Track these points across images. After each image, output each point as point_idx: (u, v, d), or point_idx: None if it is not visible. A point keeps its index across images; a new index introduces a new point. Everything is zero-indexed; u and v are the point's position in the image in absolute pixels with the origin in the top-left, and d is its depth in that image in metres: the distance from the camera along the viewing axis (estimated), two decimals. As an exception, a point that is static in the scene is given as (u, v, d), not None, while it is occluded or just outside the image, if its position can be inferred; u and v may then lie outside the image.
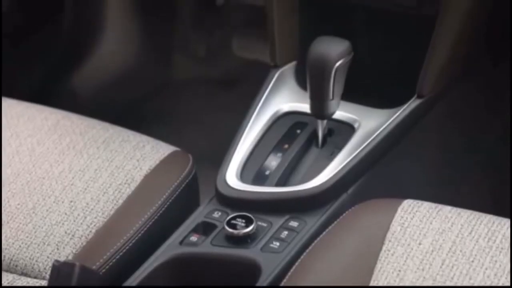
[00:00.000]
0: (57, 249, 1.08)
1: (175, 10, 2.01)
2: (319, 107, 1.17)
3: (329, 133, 1.21)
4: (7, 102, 1.30)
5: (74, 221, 1.11)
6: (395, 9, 1.25)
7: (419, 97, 1.20)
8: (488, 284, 0.89)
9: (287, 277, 0.97)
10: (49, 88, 1.87)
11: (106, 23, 1.95)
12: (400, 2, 1.23)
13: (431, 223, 0.97)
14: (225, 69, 2.01)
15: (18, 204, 1.13)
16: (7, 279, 1.05)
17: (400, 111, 1.19)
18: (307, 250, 1.00)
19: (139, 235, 1.09)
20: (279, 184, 1.16)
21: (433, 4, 1.19)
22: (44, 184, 1.15)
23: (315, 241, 1.01)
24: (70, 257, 1.06)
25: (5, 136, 1.23)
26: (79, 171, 1.17)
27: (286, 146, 1.20)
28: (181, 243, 1.08)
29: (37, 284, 1.04)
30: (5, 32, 1.62)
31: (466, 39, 1.20)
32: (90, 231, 1.10)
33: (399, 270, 0.92)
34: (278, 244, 1.05)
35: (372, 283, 0.92)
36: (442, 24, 1.17)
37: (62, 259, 1.04)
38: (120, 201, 1.14)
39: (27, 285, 1.05)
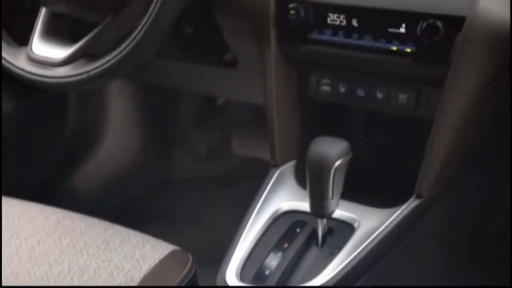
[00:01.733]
0: None
1: (176, 109, 2.04)
2: (319, 206, 1.17)
3: (329, 232, 1.21)
4: (8, 201, 1.31)
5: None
6: (393, 111, 1.27)
7: (418, 197, 1.21)
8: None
9: None
10: (50, 186, 1.89)
11: (108, 125, 1.98)
12: (398, 105, 1.25)
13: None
14: (225, 168, 2.02)
15: (16, 306, 1.12)
16: None
17: (399, 211, 1.20)
18: None
19: None
20: (279, 283, 1.15)
21: (431, 108, 1.21)
22: (42, 286, 1.14)
23: None
24: None
25: (5, 236, 1.23)
26: (78, 271, 1.16)
27: (286, 245, 1.21)
28: None
29: None
30: (6, 132, 1.64)
31: (464, 141, 1.22)
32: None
33: None
34: None
35: None
36: (439, 127, 1.19)
37: None
38: (119, 303, 1.13)
39: None
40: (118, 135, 1.99)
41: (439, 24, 1.15)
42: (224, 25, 1.39)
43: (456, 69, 1.16)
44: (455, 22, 1.14)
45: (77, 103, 1.94)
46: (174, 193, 1.99)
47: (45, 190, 1.86)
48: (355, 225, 1.21)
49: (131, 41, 1.17)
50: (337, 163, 1.15)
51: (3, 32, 1.31)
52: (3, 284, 1.15)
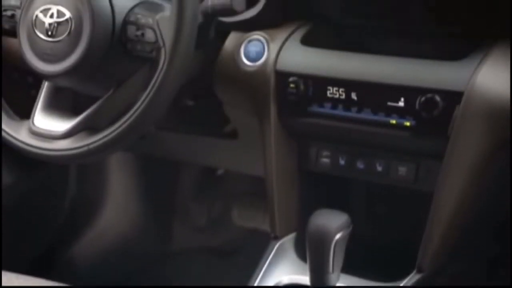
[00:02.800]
0: None
1: (176, 180, 2.04)
2: (319, 280, 1.16)
3: (330, 306, 1.20)
4: (6, 275, 1.29)
5: None
6: (393, 183, 1.27)
7: (419, 271, 1.20)
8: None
9: None
10: (49, 258, 1.87)
11: (107, 196, 1.98)
12: (398, 177, 1.26)
13: None
14: (225, 239, 2.01)
15: None
16: None
17: (400, 285, 1.19)
18: None
19: None
20: None
21: (431, 181, 1.21)
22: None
23: None
24: None
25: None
26: None
27: (287, 319, 1.19)
28: None
29: None
30: (6, 204, 1.64)
31: (465, 214, 1.22)
32: None
33: None
34: None
35: None
36: (439, 200, 1.19)
37: None
38: None
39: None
40: (118, 206, 1.99)
41: (438, 98, 1.16)
42: (224, 98, 1.41)
43: (455, 143, 1.16)
44: (453, 97, 1.15)
45: (77, 174, 1.94)
46: (173, 264, 1.98)
47: (44, 262, 1.84)
48: (356, 300, 1.20)
49: (132, 114, 1.18)
50: (337, 236, 1.14)
51: (5, 105, 1.32)
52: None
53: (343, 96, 1.25)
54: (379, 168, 1.27)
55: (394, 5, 1.27)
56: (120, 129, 1.18)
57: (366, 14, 1.31)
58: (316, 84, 1.26)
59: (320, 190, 1.38)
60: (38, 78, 1.29)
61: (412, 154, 1.24)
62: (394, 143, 1.23)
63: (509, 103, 1.14)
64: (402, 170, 1.25)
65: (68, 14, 1.19)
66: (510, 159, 1.20)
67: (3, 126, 1.28)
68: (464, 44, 1.21)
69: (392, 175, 1.26)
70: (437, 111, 1.16)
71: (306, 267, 1.18)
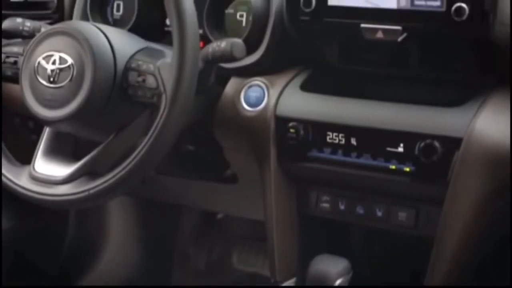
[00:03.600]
0: None
1: (175, 224, 2.04)
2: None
3: None
4: None
5: None
6: (393, 229, 1.27)
7: (421, 315, 1.20)
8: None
9: None
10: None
11: (107, 239, 1.97)
12: (398, 223, 1.26)
13: None
14: (225, 283, 2.00)
15: None
16: None
17: None
18: None
19: None
20: None
21: (431, 226, 1.21)
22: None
23: None
24: None
25: None
26: None
27: None
28: None
29: None
30: (6, 246, 1.64)
31: (466, 258, 1.22)
32: None
33: None
34: None
35: None
36: (440, 245, 1.19)
37: None
38: None
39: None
40: (117, 249, 1.98)
41: (437, 144, 1.16)
42: (224, 143, 1.41)
43: (455, 188, 1.17)
44: (452, 143, 1.16)
45: (76, 217, 1.94)
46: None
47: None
48: None
49: (133, 160, 1.18)
50: (338, 282, 1.14)
51: (6, 151, 1.32)
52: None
53: (343, 141, 1.25)
54: (379, 214, 1.28)
55: (392, 52, 1.28)
56: (121, 174, 1.18)
57: (364, 61, 1.32)
58: (316, 129, 1.27)
59: (320, 235, 1.38)
60: (39, 123, 1.29)
61: (412, 199, 1.24)
62: (394, 188, 1.24)
63: (508, 148, 1.14)
64: (402, 215, 1.25)
65: (70, 61, 1.20)
66: (511, 202, 1.20)
67: (4, 172, 1.28)
68: (463, 90, 1.22)
69: (392, 221, 1.26)
70: (437, 157, 1.16)
71: (307, 313, 1.18)
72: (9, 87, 1.34)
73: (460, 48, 1.24)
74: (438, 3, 1.17)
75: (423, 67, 1.28)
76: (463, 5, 1.14)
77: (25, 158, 1.31)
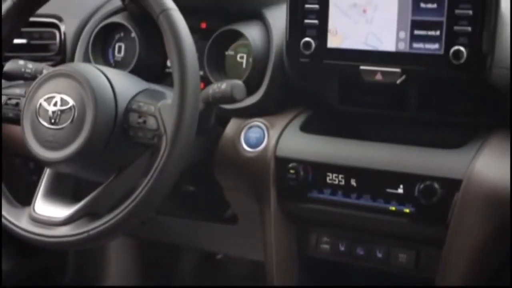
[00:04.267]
0: None
1: (175, 264, 2.03)
2: None
3: None
4: None
5: None
6: (394, 270, 1.26)
7: None
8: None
9: None
10: None
11: (106, 280, 1.96)
12: (398, 264, 1.25)
13: None
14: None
15: None
16: None
17: None
18: None
19: None
20: None
21: (431, 267, 1.21)
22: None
23: None
24: None
25: None
26: None
27: None
28: None
29: None
30: (6, 285, 1.63)
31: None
32: None
33: None
34: None
35: None
36: (441, 286, 1.18)
37: None
38: None
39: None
40: (117, 290, 1.97)
41: (436, 186, 1.17)
42: (225, 183, 1.41)
43: (455, 230, 1.17)
44: (452, 185, 1.16)
45: (76, 256, 1.93)
46: None
47: None
48: None
49: (133, 201, 1.18)
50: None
51: (6, 192, 1.32)
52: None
53: (343, 182, 1.25)
54: (379, 255, 1.27)
55: (392, 94, 1.29)
56: (120, 215, 1.18)
57: (364, 102, 1.33)
58: (316, 170, 1.28)
59: (320, 275, 1.37)
60: (39, 164, 1.30)
61: (412, 241, 1.24)
62: (394, 229, 1.24)
63: (508, 191, 1.15)
64: (402, 257, 1.25)
65: (71, 102, 1.21)
66: (510, 242, 1.20)
67: (4, 213, 1.28)
68: (462, 132, 1.23)
69: (392, 262, 1.26)
70: (436, 199, 1.16)
71: None
72: (10, 128, 1.35)
73: (459, 90, 1.25)
74: (436, 46, 1.18)
75: (422, 109, 1.29)
76: (461, 48, 1.15)
77: (25, 198, 1.31)
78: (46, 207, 1.27)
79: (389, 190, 1.22)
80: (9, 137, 1.40)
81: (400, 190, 1.21)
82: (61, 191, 1.31)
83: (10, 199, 1.31)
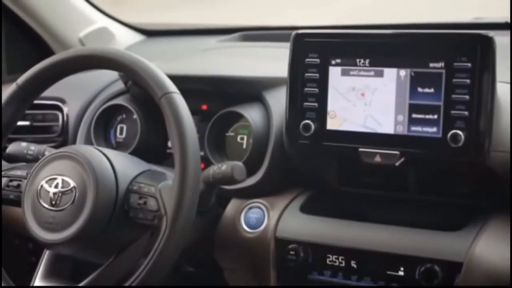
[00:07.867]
0: None
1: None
2: None
3: None
4: None
5: None
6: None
7: None
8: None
9: None
10: None
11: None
12: None
13: None
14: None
15: None
16: None
17: None
18: None
19: None
20: None
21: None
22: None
23: None
24: None
25: None
26: None
27: None
28: None
29: None
30: None
31: None
32: None
33: None
34: None
35: None
36: None
37: None
38: None
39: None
40: None
41: (437, 268, 1.16)
42: (224, 264, 1.41)
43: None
44: (453, 267, 1.16)
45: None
46: None
47: None
48: None
49: (132, 283, 1.17)
50: None
51: (4, 274, 1.31)
52: None
53: (343, 264, 1.25)
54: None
55: (391, 176, 1.30)
56: (120, 297, 1.17)
57: (363, 184, 1.34)
58: (316, 251, 1.27)
59: None
60: (38, 245, 1.29)
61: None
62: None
63: (508, 274, 1.14)
64: None
65: (72, 184, 1.22)
66: None
67: (3, 297, 1.27)
68: (462, 214, 1.23)
69: None
70: (437, 281, 1.16)
71: None
72: (10, 209, 1.34)
73: (457, 172, 1.26)
74: (434, 130, 1.19)
75: (422, 191, 1.29)
76: (459, 132, 1.17)
77: (24, 279, 1.30)
78: None
79: (389, 272, 1.21)
80: (9, 218, 1.40)
81: (401, 273, 1.20)
82: (60, 273, 1.30)
83: (8, 281, 1.30)
